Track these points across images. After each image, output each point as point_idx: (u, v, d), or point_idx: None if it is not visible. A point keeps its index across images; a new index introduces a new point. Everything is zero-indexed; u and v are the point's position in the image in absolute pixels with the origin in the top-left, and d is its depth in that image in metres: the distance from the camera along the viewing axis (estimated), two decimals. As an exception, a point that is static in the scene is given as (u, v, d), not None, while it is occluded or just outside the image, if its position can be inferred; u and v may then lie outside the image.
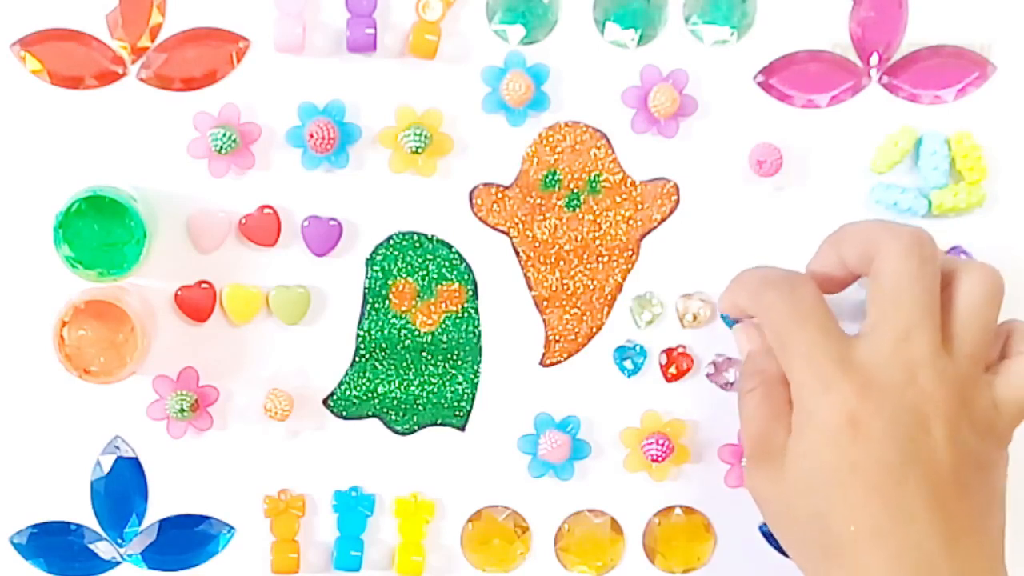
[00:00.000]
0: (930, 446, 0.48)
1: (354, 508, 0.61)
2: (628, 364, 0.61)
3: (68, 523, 0.61)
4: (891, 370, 0.49)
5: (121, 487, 0.60)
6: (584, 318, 0.61)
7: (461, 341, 0.61)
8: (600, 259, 0.61)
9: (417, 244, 0.61)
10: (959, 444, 0.49)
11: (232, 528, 0.61)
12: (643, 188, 0.61)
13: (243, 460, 0.61)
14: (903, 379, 0.49)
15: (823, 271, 0.55)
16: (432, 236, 0.61)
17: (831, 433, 0.49)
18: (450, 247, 0.61)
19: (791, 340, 0.51)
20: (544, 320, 0.61)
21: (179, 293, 0.60)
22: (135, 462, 0.61)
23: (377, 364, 0.61)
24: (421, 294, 0.61)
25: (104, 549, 0.61)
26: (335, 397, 0.61)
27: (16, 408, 0.60)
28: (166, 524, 0.61)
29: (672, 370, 0.61)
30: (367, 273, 0.61)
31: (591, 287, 0.61)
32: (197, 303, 0.60)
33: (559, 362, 0.61)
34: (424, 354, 0.61)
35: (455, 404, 0.61)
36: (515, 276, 0.61)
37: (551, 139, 0.60)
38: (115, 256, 0.57)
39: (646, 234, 0.61)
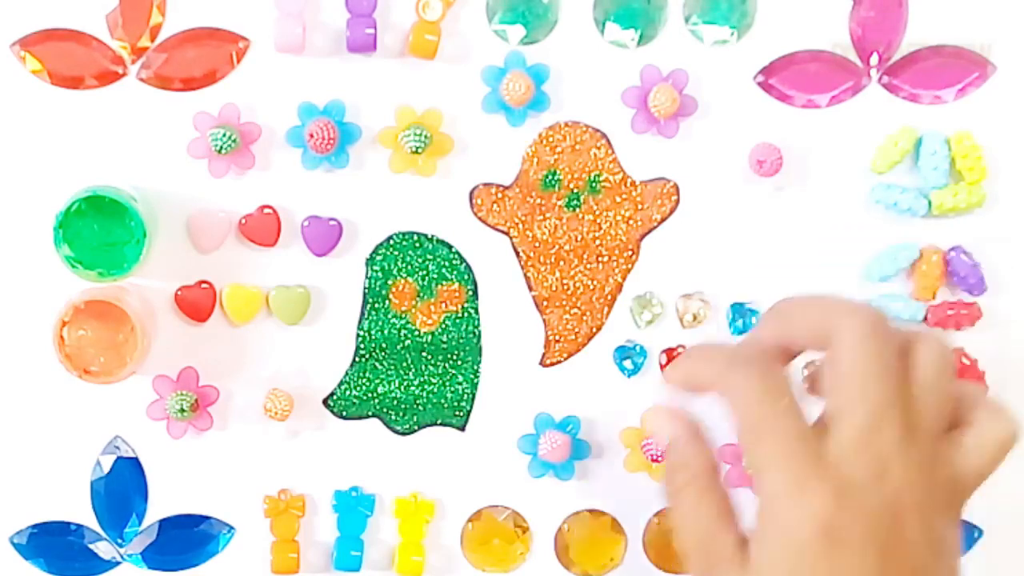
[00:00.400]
0: (906, 544, 0.46)
1: (354, 508, 0.61)
2: (628, 364, 0.61)
3: (68, 523, 0.61)
4: (863, 464, 0.46)
5: (121, 487, 0.60)
6: (584, 318, 0.61)
7: (461, 341, 0.61)
8: (600, 259, 0.61)
9: (417, 244, 0.61)
10: (930, 535, 0.47)
11: (232, 528, 0.61)
12: (643, 188, 0.61)
13: (243, 460, 0.61)
14: (875, 474, 0.46)
15: (771, 346, 0.50)
16: (432, 236, 0.61)
17: (806, 542, 0.46)
18: (450, 247, 0.61)
19: (764, 431, 0.47)
20: (544, 320, 0.61)
21: (179, 293, 0.60)
22: (135, 462, 0.61)
23: (377, 364, 0.61)
24: (421, 294, 0.61)
25: (104, 549, 0.61)
26: (335, 397, 0.61)
27: (16, 408, 0.60)
28: (166, 524, 0.61)
29: (672, 370, 0.61)
30: (367, 273, 0.61)
31: (591, 287, 0.61)
32: (197, 303, 0.60)
33: (559, 362, 0.61)
34: (424, 354, 0.61)
35: (455, 404, 0.61)
36: (515, 276, 0.61)
37: (551, 139, 0.60)
38: (115, 256, 0.57)
39: (646, 234, 0.61)
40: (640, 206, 0.61)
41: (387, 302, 0.61)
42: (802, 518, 0.46)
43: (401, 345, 0.61)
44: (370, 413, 0.61)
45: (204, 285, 0.60)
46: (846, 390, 0.47)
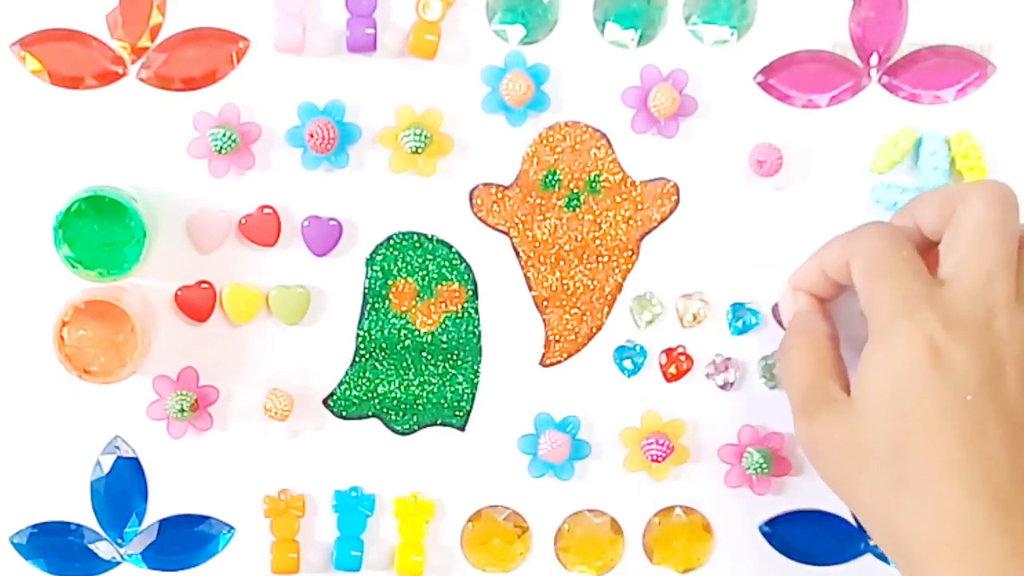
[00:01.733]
0: (1005, 388, 0.49)
1: (354, 508, 0.61)
2: (628, 364, 0.61)
3: (68, 523, 0.61)
4: (973, 310, 0.50)
5: (121, 487, 0.60)
6: (584, 318, 0.61)
7: (461, 341, 0.61)
8: (600, 259, 0.61)
9: (417, 244, 0.61)
10: None
11: (232, 528, 0.61)
12: (643, 188, 0.61)
13: (243, 460, 0.61)
14: (983, 321, 0.50)
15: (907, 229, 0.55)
16: (432, 236, 0.61)
17: (912, 358, 0.49)
18: (450, 247, 0.61)
19: (883, 273, 0.51)
20: (544, 320, 0.61)
21: (179, 293, 0.60)
22: (135, 462, 0.61)
23: (377, 364, 0.61)
24: (421, 294, 0.61)
25: (104, 549, 0.61)
26: (335, 397, 0.61)
27: (16, 408, 0.60)
28: (166, 524, 0.61)
29: (672, 370, 0.61)
30: (367, 273, 0.61)
31: (591, 287, 0.61)
32: (197, 303, 0.60)
33: (559, 362, 0.61)
34: (424, 354, 0.61)
35: (455, 404, 0.61)
36: (515, 276, 0.61)
37: (551, 139, 0.60)
38: (115, 256, 0.57)
39: (646, 234, 0.61)
40: (640, 206, 0.61)
41: (387, 302, 0.61)
42: (911, 338, 0.49)
43: (401, 345, 0.61)
44: (370, 413, 0.61)
45: (204, 285, 0.60)
46: (965, 247, 0.51)
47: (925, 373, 0.49)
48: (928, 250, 0.54)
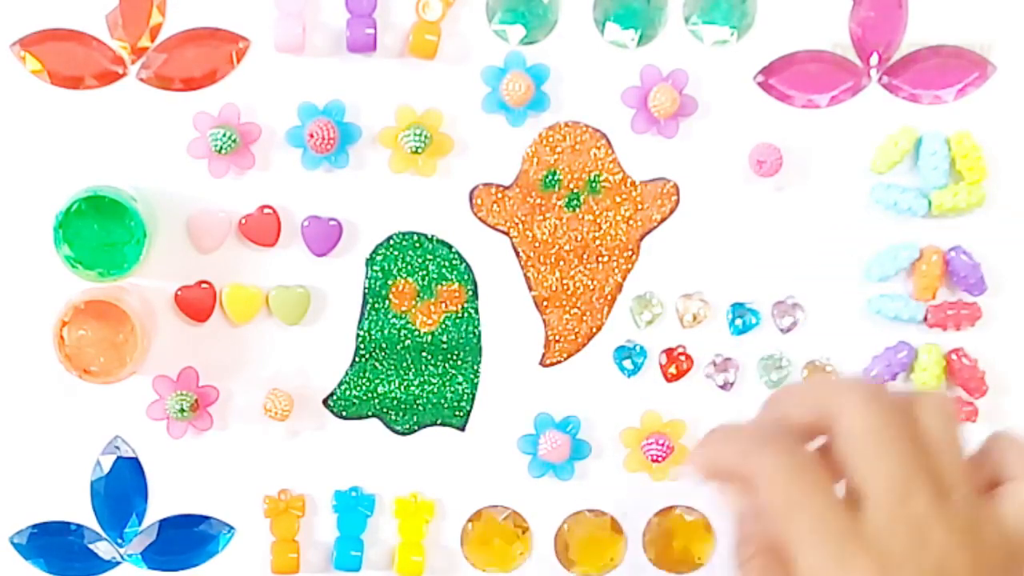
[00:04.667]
0: None
1: (354, 508, 0.61)
2: (628, 364, 0.61)
3: (68, 523, 0.61)
4: (902, 537, 0.46)
5: (121, 487, 0.60)
6: (584, 318, 0.61)
7: (461, 341, 0.61)
8: (600, 259, 0.61)
9: (417, 244, 0.61)
10: None
11: (232, 528, 0.61)
12: (643, 188, 0.61)
13: (243, 460, 0.61)
14: (916, 543, 0.46)
15: (790, 425, 0.49)
16: (432, 236, 0.61)
17: None
18: (450, 247, 0.61)
19: (797, 511, 0.47)
20: (544, 320, 0.61)
21: (179, 293, 0.60)
22: (135, 462, 0.61)
23: (377, 364, 0.61)
24: (421, 294, 0.61)
25: (104, 549, 0.61)
26: (335, 397, 0.61)
27: (16, 408, 0.60)
28: (166, 524, 0.61)
29: (672, 370, 0.61)
30: (367, 273, 0.61)
31: (591, 287, 0.61)
32: (197, 303, 0.60)
33: (559, 362, 0.61)
34: (424, 354, 0.61)
35: (455, 404, 0.61)
36: (515, 276, 0.61)
37: (551, 139, 0.60)
38: (115, 256, 0.57)
39: (646, 234, 0.61)
40: (640, 206, 0.61)
41: (387, 302, 0.61)
42: None
43: (401, 345, 0.61)
44: (370, 413, 0.61)
45: (204, 285, 0.60)
46: (864, 464, 0.46)
47: None
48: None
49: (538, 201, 0.61)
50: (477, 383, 0.61)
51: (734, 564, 0.50)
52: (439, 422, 0.61)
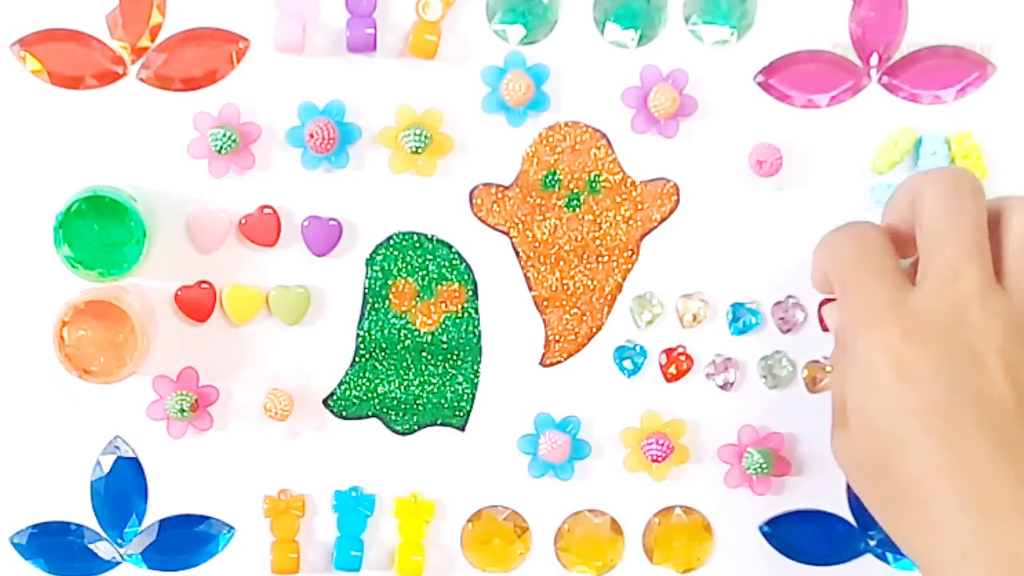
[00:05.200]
0: (986, 382, 0.47)
1: (354, 508, 0.61)
2: (628, 364, 0.61)
3: (68, 523, 0.61)
4: (940, 311, 0.48)
5: (121, 487, 0.60)
6: (584, 318, 0.61)
7: (461, 341, 0.61)
8: (600, 259, 0.61)
9: (417, 244, 0.61)
10: (1019, 377, 0.48)
11: (232, 528, 0.61)
12: (643, 188, 0.61)
13: (243, 460, 0.61)
14: (953, 319, 0.48)
15: (892, 229, 0.54)
16: (432, 236, 0.61)
17: (875, 373, 0.48)
18: (450, 247, 0.61)
19: (850, 284, 0.51)
20: (544, 320, 0.61)
21: (179, 293, 0.60)
22: (135, 462, 0.61)
23: (377, 364, 0.61)
24: (421, 294, 0.61)
25: (104, 549, 0.61)
26: (335, 397, 0.61)
27: (16, 408, 0.60)
28: (166, 524, 0.61)
29: (672, 370, 0.61)
30: (367, 273, 0.61)
31: (591, 287, 0.61)
32: (197, 303, 0.60)
33: (559, 362, 0.61)
34: (424, 354, 0.61)
35: (455, 404, 0.61)
36: (515, 276, 0.61)
37: (551, 139, 0.60)
38: (115, 256, 0.57)
39: (646, 234, 0.61)
40: (640, 206, 0.61)
41: (387, 302, 0.61)
42: (874, 351, 0.48)
43: (401, 345, 0.61)
44: (370, 413, 0.61)
45: (204, 285, 0.60)
46: (926, 245, 0.50)
47: (889, 386, 0.48)
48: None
49: (538, 201, 0.61)
50: (477, 383, 0.61)
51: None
52: (439, 422, 0.61)
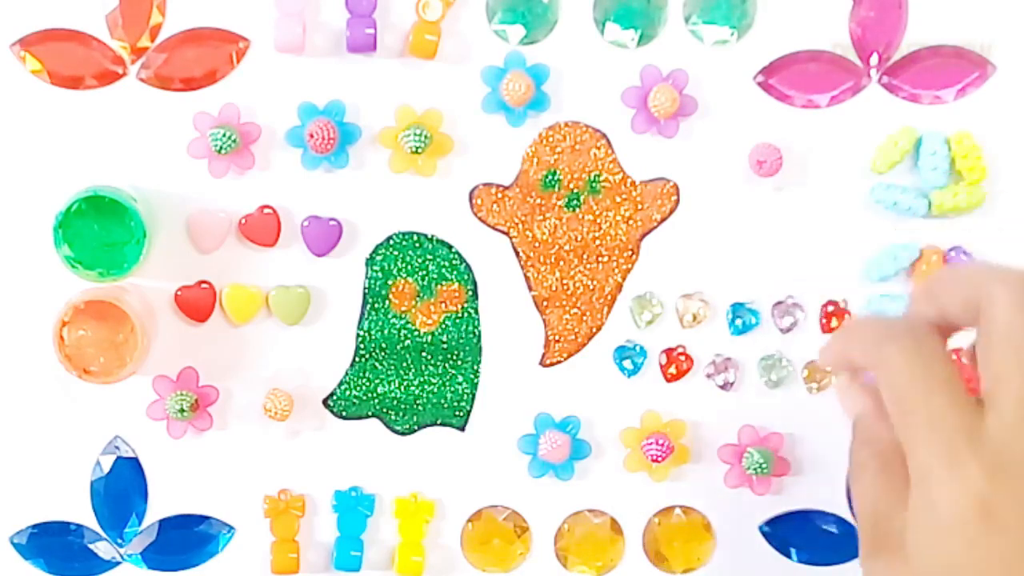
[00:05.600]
0: None
1: (354, 508, 0.61)
2: (628, 364, 0.61)
3: (68, 523, 0.61)
4: (1021, 443, 0.43)
5: (121, 487, 0.60)
6: (584, 318, 0.61)
7: (461, 341, 0.61)
8: (600, 259, 0.61)
9: (417, 244, 0.61)
10: None
11: (232, 528, 0.61)
12: (643, 188, 0.61)
13: (243, 460, 0.61)
14: None
15: (926, 320, 0.47)
16: (432, 236, 0.61)
17: (959, 523, 0.43)
18: (450, 247, 0.61)
19: (915, 406, 0.44)
20: (544, 320, 0.61)
21: (179, 293, 0.60)
22: (135, 462, 0.61)
23: (377, 364, 0.61)
24: (421, 294, 0.61)
25: (104, 549, 0.61)
26: (335, 397, 0.61)
27: (16, 408, 0.60)
28: (166, 524, 0.61)
29: (672, 370, 0.61)
30: (367, 273, 0.61)
31: (591, 287, 0.61)
32: (197, 303, 0.60)
33: (559, 362, 0.61)
34: (424, 354, 0.61)
35: (455, 404, 0.61)
36: (515, 276, 0.61)
37: (551, 139, 0.60)
38: (115, 256, 0.57)
39: (646, 234, 0.61)
40: (640, 206, 0.61)
41: (387, 302, 0.61)
42: (955, 496, 0.43)
43: (401, 345, 0.61)
44: (370, 413, 0.61)
45: (204, 285, 0.60)
46: (1001, 360, 0.44)
47: (975, 538, 0.42)
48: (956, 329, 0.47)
49: (538, 201, 0.61)
50: (477, 383, 0.61)
51: (848, 469, 0.49)
52: (439, 422, 0.61)
